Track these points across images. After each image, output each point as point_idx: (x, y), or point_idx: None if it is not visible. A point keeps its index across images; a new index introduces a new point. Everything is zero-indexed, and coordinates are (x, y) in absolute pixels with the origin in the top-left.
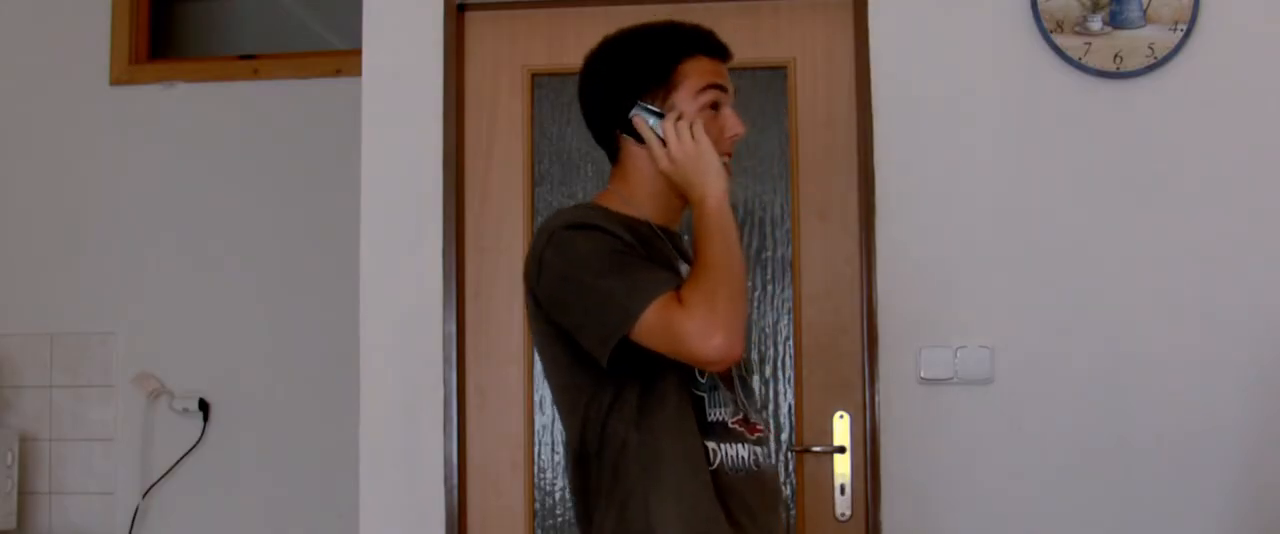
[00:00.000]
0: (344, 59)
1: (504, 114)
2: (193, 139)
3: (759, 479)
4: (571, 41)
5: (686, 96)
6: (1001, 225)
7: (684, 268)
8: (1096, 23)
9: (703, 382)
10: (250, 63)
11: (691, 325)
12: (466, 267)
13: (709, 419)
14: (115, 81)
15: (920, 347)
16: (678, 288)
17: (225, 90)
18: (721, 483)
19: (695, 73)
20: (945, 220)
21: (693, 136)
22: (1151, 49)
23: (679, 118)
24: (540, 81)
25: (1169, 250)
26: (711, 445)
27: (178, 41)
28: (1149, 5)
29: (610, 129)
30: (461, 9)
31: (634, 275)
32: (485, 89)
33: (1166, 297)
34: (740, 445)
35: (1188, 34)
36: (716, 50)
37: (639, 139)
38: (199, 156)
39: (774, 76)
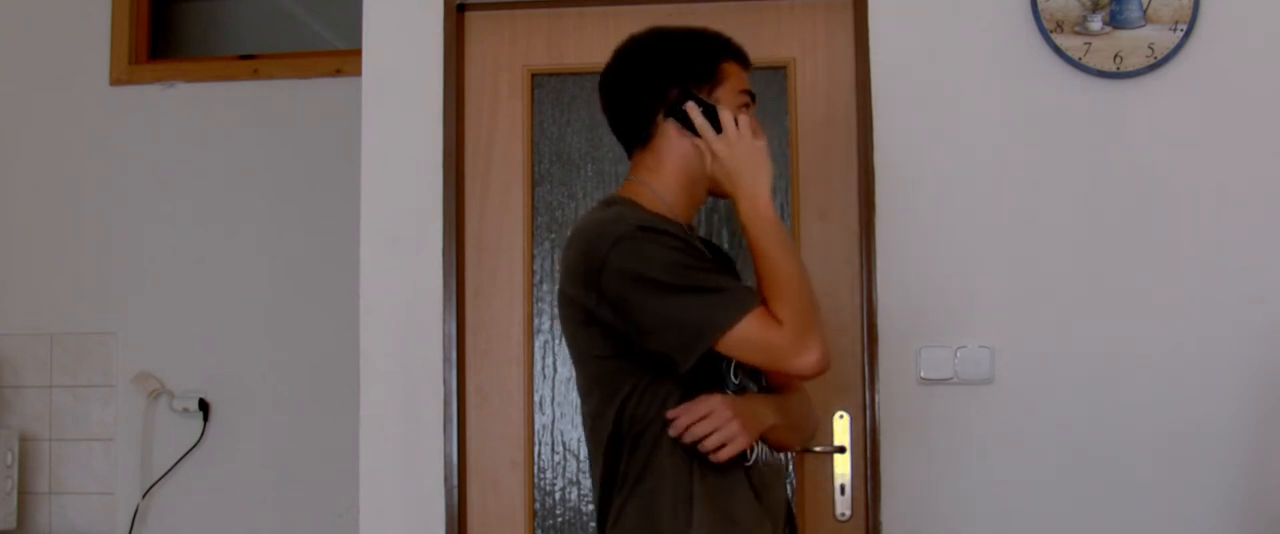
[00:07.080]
0: (344, 59)
1: (504, 114)
2: (193, 139)
3: (777, 470)
4: (571, 41)
5: (729, 95)
6: (1001, 225)
7: None
8: (1096, 23)
9: (735, 383)
10: (250, 63)
11: (790, 342)
12: (466, 267)
13: None
14: (115, 81)
15: (920, 347)
16: (761, 301)
17: (225, 90)
18: (754, 480)
19: (733, 75)
20: (945, 220)
21: (751, 131)
22: (1151, 49)
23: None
24: (540, 81)
25: (1169, 250)
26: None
27: (178, 41)
28: (1149, 5)
29: (651, 116)
30: (461, 9)
31: (717, 289)
32: (485, 89)
33: (1166, 297)
34: (762, 443)
35: (1188, 34)
36: (743, 59)
37: (688, 127)
38: (199, 157)
39: (774, 76)
